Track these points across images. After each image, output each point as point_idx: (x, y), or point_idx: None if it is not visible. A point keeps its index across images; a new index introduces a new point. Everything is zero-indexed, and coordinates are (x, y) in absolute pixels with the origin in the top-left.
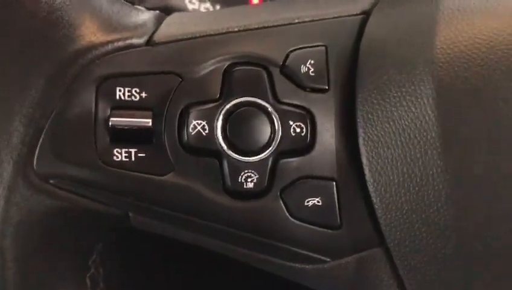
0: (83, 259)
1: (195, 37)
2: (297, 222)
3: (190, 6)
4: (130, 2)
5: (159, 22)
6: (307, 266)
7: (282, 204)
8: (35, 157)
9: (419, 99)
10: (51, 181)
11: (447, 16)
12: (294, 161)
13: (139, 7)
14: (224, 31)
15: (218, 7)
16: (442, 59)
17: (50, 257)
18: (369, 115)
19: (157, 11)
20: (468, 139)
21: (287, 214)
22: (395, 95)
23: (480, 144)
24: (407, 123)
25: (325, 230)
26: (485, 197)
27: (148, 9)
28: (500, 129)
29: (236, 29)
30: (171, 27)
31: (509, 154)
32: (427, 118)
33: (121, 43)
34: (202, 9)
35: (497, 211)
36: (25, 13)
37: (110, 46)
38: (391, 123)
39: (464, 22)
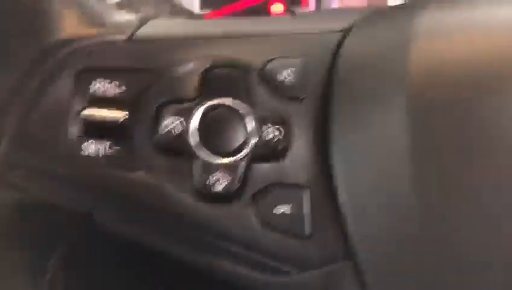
0: (42, 260)
1: (177, 38)
2: (266, 230)
3: None
4: None
5: (142, 22)
6: (273, 278)
7: (252, 210)
8: (2, 143)
9: (390, 112)
10: (16, 171)
11: (421, 34)
12: (266, 166)
13: (124, 10)
14: (206, 35)
15: None
16: (414, 75)
17: (8, 254)
18: (343, 125)
19: (143, 14)
20: (437, 151)
21: (256, 220)
22: (368, 107)
23: (449, 156)
24: (378, 135)
25: (294, 239)
26: (451, 209)
27: None
28: (467, 142)
29: (219, 35)
30: (155, 27)
31: (477, 166)
32: (397, 129)
33: (102, 39)
34: None
35: (466, 224)
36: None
37: (91, 40)
38: (364, 134)
39: (436, 40)
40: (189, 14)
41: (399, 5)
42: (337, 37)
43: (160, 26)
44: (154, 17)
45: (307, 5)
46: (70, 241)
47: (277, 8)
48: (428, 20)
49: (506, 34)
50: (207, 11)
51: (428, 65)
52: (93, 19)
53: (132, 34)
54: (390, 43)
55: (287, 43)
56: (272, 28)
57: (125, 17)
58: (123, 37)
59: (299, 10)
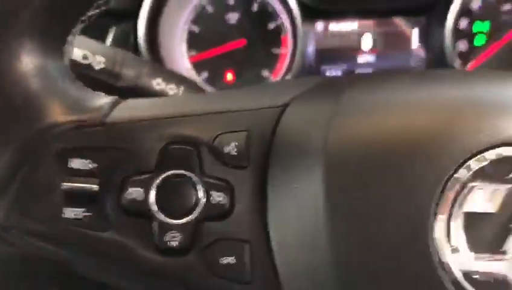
0: None
1: (140, 120)
2: (214, 277)
3: (157, 87)
4: (107, 81)
5: (114, 106)
6: None
7: (202, 261)
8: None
9: (312, 180)
10: (12, 231)
11: (341, 112)
12: (214, 224)
13: (100, 93)
14: (164, 116)
15: (182, 88)
16: (332, 150)
17: None
18: (276, 189)
19: (116, 97)
20: (349, 213)
21: (206, 269)
22: (295, 176)
23: (359, 218)
24: (302, 198)
25: (237, 285)
26: (363, 261)
27: (120, 88)
28: (373, 207)
29: (174, 116)
30: (123, 111)
31: (383, 227)
32: (317, 195)
33: (78, 123)
34: (168, 90)
35: (376, 276)
36: (3, 96)
37: (69, 125)
38: (291, 198)
39: (351, 120)
40: (167, 74)
41: (331, 80)
42: (277, 112)
43: (127, 109)
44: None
45: (286, 46)
46: (59, 284)
47: (258, 49)
48: (347, 102)
49: (412, 116)
50: (193, 53)
51: (345, 143)
52: (73, 105)
53: (103, 118)
54: (316, 120)
55: (234, 118)
56: (222, 106)
57: (99, 101)
58: (96, 121)
59: (279, 51)
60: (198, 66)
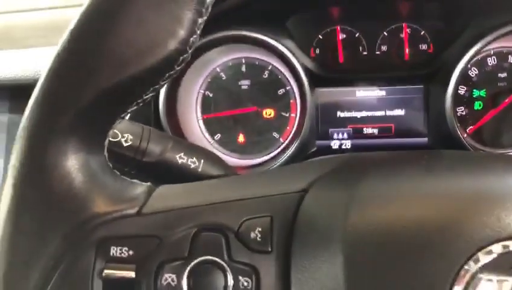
0: None
1: (173, 210)
2: None
3: (180, 161)
4: (134, 157)
5: (148, 194)
6: None
7: None
8: None
9: (332, 266)
10: None
11: (358, 201)
12: None
13: (135, 181)
14: (194, 205)
15: (202, 161)
16: (350, 240)
17: None
18: (299, 275)
19: (149, 184)
20: None
21: None
22: (317, 261)
23: None
24: (324, 283)
25: None
26: None
27: (146, 163)
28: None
29: (203, 204)
30: (157, 200)
31: None
32: (338, 279)
33: (118, 214)
34: (190, 163)
35: None
36: (51, 192)
37: (109, 216)
38: (314, 282)
39: (369, 207)
40: (189, 148)
41: (346, 164)
42: (297, 197)
43: (161, 198)
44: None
45: (295, 110)
46: None
47: (268, 113)
48: (363, 192)
49: (424, 208)
50: (206, 115)
51: (361, 231)
52: (112, 196)
53: (140, 209)
54: (333, 209)
55: (258, 204)
56: (246, 192)
57: (135, 191)
58: (133, 211)
59: (288, 115)
60: (211, 129)
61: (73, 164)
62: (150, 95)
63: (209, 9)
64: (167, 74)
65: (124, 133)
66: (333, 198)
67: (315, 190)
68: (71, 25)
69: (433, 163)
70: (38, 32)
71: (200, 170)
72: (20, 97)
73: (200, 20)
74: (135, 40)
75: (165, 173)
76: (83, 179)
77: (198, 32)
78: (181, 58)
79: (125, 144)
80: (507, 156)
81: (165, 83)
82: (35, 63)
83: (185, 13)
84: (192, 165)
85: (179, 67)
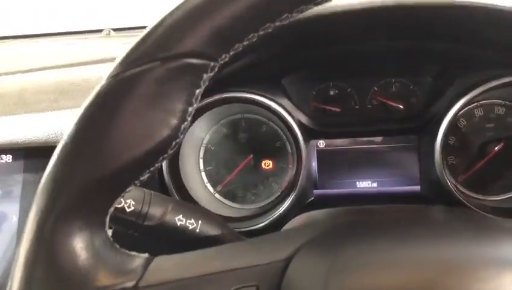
0: None
1: (167, 283)
2: None
3: (179, 223)
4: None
5: (145, 267)
6: None
7: None
8: None
9: None
10: None
11: (338, 270)
12: None
13: (133, 253)
14: (186, 277)
15: (200, 222)
16: None
17: None
18: None
19: (147, 255)
20: None
21: None
22: None
23: None
24: None
25: None
26: None
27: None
28: None
29: (195, 276)
30: (153, 273)
31: None
32: None
33: (117, 287)
34: (188, 225)
35: None
36: (56, 266)
37: (109, 288)
38: None
39: (349, 277)
40: (188, 209)
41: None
42: (282, 266)
43: (157, 271)
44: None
45: (291, 162)
46: None
47: (267, 164)
48: (343, 258)
49: (404, 278)
50: (208, 168)
51: None
52: (112, 270)
53: (137, 283)
54: (315, 275)
55: (245, 274)
56: (234, 263)
57: (133, 264)
58: (131, 284)
59: (285, 167)
60: (213, 180)
61: (77, 242)
62: (146, 176)
63: (199, 98)
64: (161, 157)
65: (127, 199)
66: (314, 267)
67: (298, 259)
68: (76, 118)
69: (413, 229)
70: (50, 96)
71: (198, 230)
72: (34, 158)
73: (190, 109)
74: (131, 132)
75: (165, 235)
76: (86, 256)
77: (189, 118)
78: (174, 142)
79: (128, 210)
80: (489, 219)
81: (159, 165)
82: (47, 126)
83: (176, 106)
84: (191, 227)
85: (172, 150)
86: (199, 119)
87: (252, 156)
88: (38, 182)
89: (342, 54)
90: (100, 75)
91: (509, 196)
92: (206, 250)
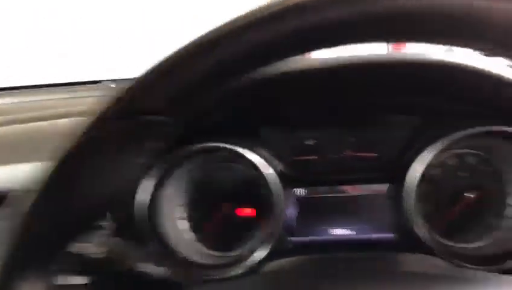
0: None
1: None
2: None
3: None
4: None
5: None
6: None
7: None
8: None
9: None
10: None
11: None
12: None
13: None
14: None
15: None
16: None
17: None
18: None
19: None
20: None
21: None
22: None
23: None
24: None
25: None
26: None
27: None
28: None
29: None
30: None
31: None
32: None
33: None
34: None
35: None
36: None
37: None
38: None
39: None
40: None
41: None
42: None
43: None
44: None
45: (270, 210)
46: None
47: (246, 211)
48: None
49: None
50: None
51: None
52: None
53: None
54: None
55: None
56: None
57: None
58: None
59: (266, 213)
60: (191, 228)
61: None
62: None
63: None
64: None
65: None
66: None
67: None
68: (41, 184)
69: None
70: None
71: None
72: None
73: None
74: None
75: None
76: None
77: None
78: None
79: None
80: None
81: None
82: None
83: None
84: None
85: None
86: (177, 168)
87: (230, 203)
88: None
89: (314, 107)
90: None
91: (483, 243)
92: None
